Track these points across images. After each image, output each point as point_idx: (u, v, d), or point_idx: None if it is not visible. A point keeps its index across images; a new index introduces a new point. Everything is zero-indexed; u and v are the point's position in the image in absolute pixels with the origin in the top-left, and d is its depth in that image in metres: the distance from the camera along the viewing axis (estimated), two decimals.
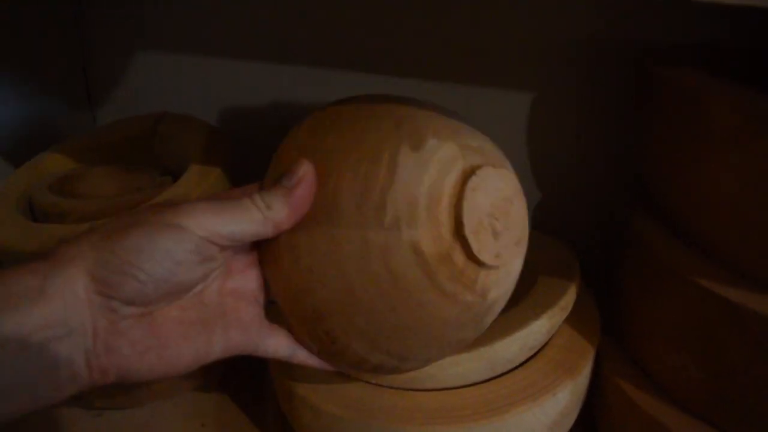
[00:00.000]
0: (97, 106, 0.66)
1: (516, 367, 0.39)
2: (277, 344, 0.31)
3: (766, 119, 0.30)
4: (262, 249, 0.31)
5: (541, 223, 0.55)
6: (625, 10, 0.46)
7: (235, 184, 0.50)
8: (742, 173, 0.32)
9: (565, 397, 0.38)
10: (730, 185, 0.33)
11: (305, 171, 0.29)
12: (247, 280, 0.31)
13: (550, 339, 0.40)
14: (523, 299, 0.40)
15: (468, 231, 0.27)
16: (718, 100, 0.32)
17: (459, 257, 0.28)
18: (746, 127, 0.31)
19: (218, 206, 0.28)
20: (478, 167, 0.28)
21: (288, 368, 0.40)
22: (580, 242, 0.49)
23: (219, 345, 0.29)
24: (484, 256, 0.28)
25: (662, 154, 0.38)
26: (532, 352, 0.39)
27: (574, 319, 0.42)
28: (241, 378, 0.50)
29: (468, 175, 0.28)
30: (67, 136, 0.56)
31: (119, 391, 0.45)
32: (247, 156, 0.59)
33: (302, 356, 0.32)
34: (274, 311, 0.32)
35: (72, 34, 0.62)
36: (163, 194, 0.44)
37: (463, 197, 0.27)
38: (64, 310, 0.25)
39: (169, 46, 0.60)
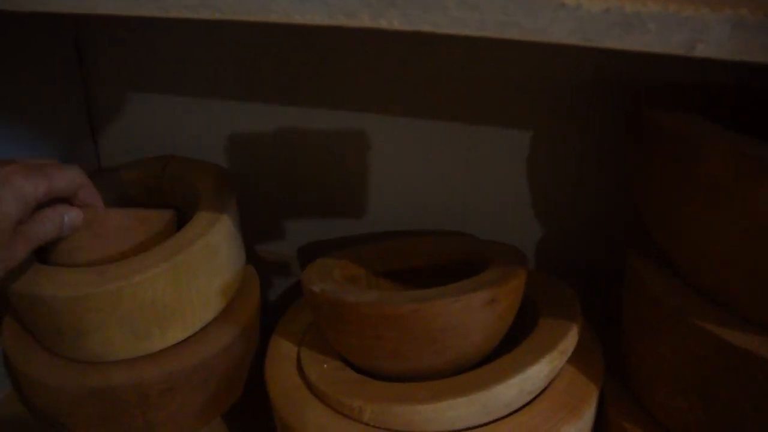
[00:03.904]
0: (102, 144, 0.67)
1: (516, 411, 0.38)
2: None
3: (756, 163, 0.30)
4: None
5: (542, 262, 0.55)
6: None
7: (241, 223, 0.51)
8: (735, 218, 0.32)
9: None
10: (724, 230, 0.33)
11: None
12: None
13: (551, 382, 0.40)
14: (523, 342, 0.40)
15: None
16: (709, 146, 0.32)
17: None
18: (738, 172, 0.31)
19: None
20: None
21: (288, 409, 0.40)
22: (584, 282, 0.49)
23: None
24: None
25: (657, 197, 0.37)
26: (531, 397, 0.38)
27: (576, 361, 0.41)
28: (245, 417, 0.50)
29: None
30: None
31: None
32: (250, 195, 0.61)
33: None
34: None
35: (74, 73, 0.63)
36: (175, 237, 0.44)
37: None
38: None
39: (172, 81, 0.61)
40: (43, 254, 0.45)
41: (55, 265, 0.44)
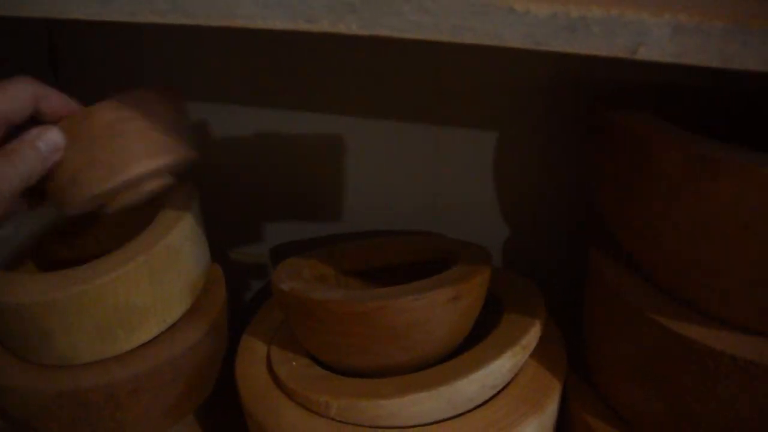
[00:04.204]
0: None
1: (480, 405, 0.39)
2: None
3: (707, 162, 0.31)
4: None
5: (508, 260, 0.56)
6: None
7: (205, 227, 0.51)
8: (687, 215, 0.33)
9: None
10: (678, 227, 0.34)
11: None
12: None
13: (514, 377, 0.41)
14: (486, 337, 0.41)
15: None
16: (661, 145, 0.33)
17: None
18: (690, 169, 0.32)
19: None
20: None
21: (258, 407, 0.41)
22: (550, 279, 0.50)
23: None
24: None
25: (615, 194, 0.39)
26: (494, 391, 0.39)
27: (540, 356, 0.42)
28: (217, 416, 0.50)
29: None
30: None
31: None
32: (224, 197, 0.61)
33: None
34: None
35: (49, 78, 0.63)
36: (137, 239, 0.45)
37: None
38: None
39: (147, 84, 0.61)
40: (42, 196, 0.37)
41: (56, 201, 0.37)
